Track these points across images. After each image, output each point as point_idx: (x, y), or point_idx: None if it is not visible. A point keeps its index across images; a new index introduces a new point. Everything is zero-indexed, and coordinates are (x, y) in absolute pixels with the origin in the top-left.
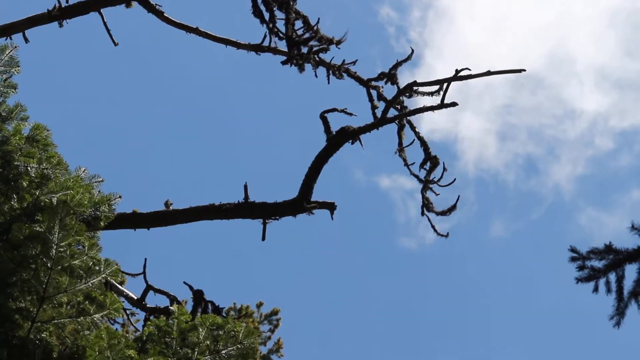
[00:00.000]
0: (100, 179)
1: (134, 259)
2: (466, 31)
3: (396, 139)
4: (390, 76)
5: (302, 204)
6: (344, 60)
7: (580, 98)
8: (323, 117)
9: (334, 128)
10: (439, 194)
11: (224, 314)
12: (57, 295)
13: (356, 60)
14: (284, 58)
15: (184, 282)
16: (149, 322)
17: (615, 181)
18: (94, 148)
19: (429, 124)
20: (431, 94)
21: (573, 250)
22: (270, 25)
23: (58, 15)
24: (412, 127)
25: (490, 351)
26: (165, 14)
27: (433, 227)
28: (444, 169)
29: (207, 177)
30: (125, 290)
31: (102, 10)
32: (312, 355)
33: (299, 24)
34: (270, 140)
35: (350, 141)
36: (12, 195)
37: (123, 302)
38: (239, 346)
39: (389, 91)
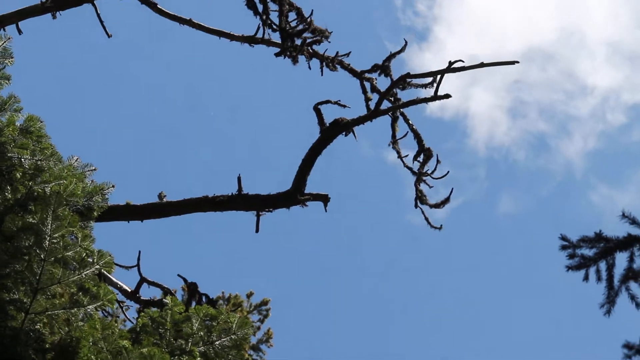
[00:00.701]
0: (93, 168)
1: (128, 252)
2: (476, 4)
3: (390, 131)
4: (383, 68)
5: (295, 196)
6: (337, 52)
7: (592, 73)
8: (316, 109)
9: (328, 120)
10: (432, 187)
11: (213, 300)
12: (51, 286)
13: (349, 52)
14: (277, 50)
15: (178, 275)
16: (143, 314)
17: (627, 156)
18: (88, 140)
19: (437, 101)
20: (424, 85)
21: (563, 238)
22: (264, 17)
23: (51, 6)
24: (406, 119)
25: (491, 328)
26: (158, 6)
27: (426, 219)
28: (438, 161)
29: (201, 169)
30: (119, 283)
31: (95, 2)
32: (306, 346)
33: (292, 15)
34: (263, 132)
35: (344, 133)
36: (5, 187)
37: (117, 294)
38: (233, 337)
39: (383, 83)
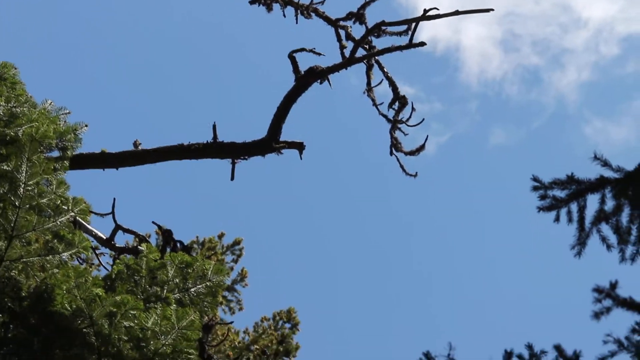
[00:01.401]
0: (67, 111)
1: (103, 199)
2: None
3: (364, 78)
4: (358, 16)
5: (270, 143)
6: (312, 0)
7: (587, 5)
8: (291, 57)
9: (303, 68)
10: (407, 134)
11: (188, 247)
12: (26, 233)
13: None
14: None
15: (153, 222)
16: (118, 261)
17: (621, 89)
18: (63, 88)
19: (430, 32)
20: (399, 33)
21: (535, 179)
22: None
23: None
24: (381, 67)
25: (481, 258)
26: None
27: (402, 166)
28: (412, 109)
29: (176, 118)
30: (94, 230)
31: None
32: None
33: None
34: (238, 80)
35: (319, 81)
36: None
37: (92, 242)
38: (208, 283)
39: (358, 31)
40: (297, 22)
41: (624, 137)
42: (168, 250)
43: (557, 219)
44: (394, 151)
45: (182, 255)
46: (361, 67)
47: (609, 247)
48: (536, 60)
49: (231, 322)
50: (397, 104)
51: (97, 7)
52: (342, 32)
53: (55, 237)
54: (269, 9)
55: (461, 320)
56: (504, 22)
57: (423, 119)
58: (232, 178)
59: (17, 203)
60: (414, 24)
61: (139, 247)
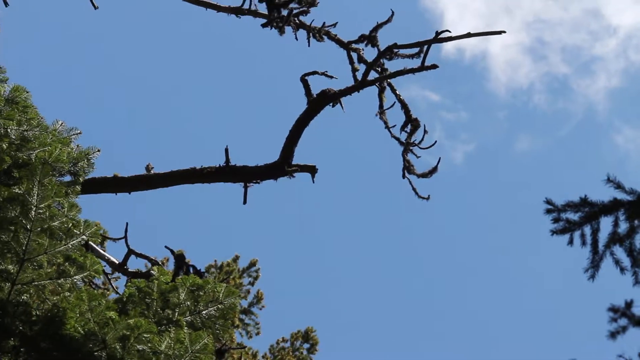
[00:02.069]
0: (78, 132)
1: (116, 224)
2: None
3: (377, 101)
4: (370, 38)
5: (283, 167)
6: (324, 23)
7: (617, 12)
8: (304, 80)
9: (315, 91)
10: (419, 157)
11: (206, 273)
12: (37, 256)
13: (336, 22)
14: (264, 21)
15: (165, 246)
16: (129, 284)
17: None
18: (75, 111)
19: (457, 42)
20: (412, 56)
21: (548, 202)
22: None
23: None
24: (393, 90)
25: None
26: None
27: (414, 189)
28: (425, 131)
29: (189, 141)
30: (107, 255)
31: None
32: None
33: None
34: (251, 103)
35: (331, 104)
36: None
37: (105, 266)
38: (220, 306)
39: (370, 53)
40: (309, 45)
41: None
42: (181, 274)
43: (570, 242)
44: (406, 174)
45: (193, 278)
46: (373, 89)
47: (622, 270)
48: (565, 69)
49: (245, 347)
50: (409, 126)
51: (107, 28)
52: (354, 55)
53: (66, 260)
54: (282, 32)
55: (474, 340)
56: (532, 29)
57: (435, 142)
58: (245, 202)
59: (28, 226)
60: (426, 47)
61: (151, 271)
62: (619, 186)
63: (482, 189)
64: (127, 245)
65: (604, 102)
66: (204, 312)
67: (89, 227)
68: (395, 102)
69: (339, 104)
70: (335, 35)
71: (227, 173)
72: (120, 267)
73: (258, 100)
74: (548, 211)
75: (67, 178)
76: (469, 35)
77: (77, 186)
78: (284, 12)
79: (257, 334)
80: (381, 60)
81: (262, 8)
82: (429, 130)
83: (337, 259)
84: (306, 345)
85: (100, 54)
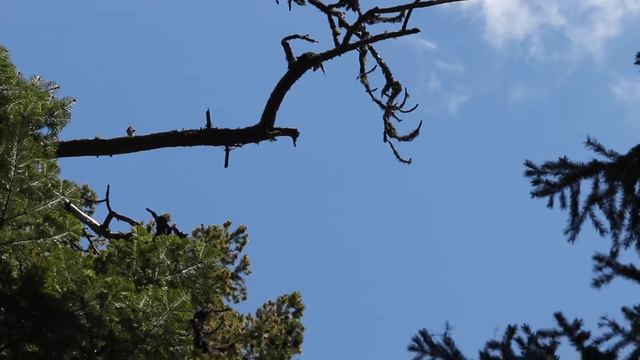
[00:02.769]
0: (57, 86)
1: (97, 186)
2: None
3: (358, 65)
4: (351, 2)
5: (264, 130)
6: None
7: None
8: (285, 44)
9: (296, 55)
10: (401, 120)
11: (192, 235)
12: (17, 216)
13: None
14: None
15: (147, 209)
16: (109, 244)
17: None
18: (57, 74)
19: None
20: (393, 20)
21: (528, 164)
22: None
23: None
24: (374, 54)
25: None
26: None
27: (395, 153)
28: (406, 95)
29: (170, 104)
30: (89, 217)
31: None
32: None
33: None
34: (232, 67)
35: (312, 68)
36: None
37: (86, 228)
38: (199, 265)
39: (351, 17)
40: (290, 9)
41: None
42: None
43: (550, 204)
44: (387, 137)
45: (173, 237)
46: (354, 53)
47: (602, 232)
48: (561, 20)
49: (226, 309)
50: (390, 90)
51: None
52: (335, 19)
53: (46, 221)
54: None
55: (462, 297)
56: None
57: (417, 105)
58: (226, 165)
59: (7, 186)
60: (407, 11)
61: (132, 233)
62: (599, 148)
63: (476, 139)
64: (109, 208)
65: (601, 53)
66: (184, 271)
67: (68, 187)
68: (376, 65)
69: (320, 67)
70: None
71: (209, 136)
72: (102, 230)
73: (239, 64)
74: (528, 173)
75: (45, 130)
76: None
77: (54, 137)
78: None
79: (244, 298)
80: (362, 24)
81: None
82: (425, 77)
83: (319, 223)
84: (292, 310)
85: (84, 18)
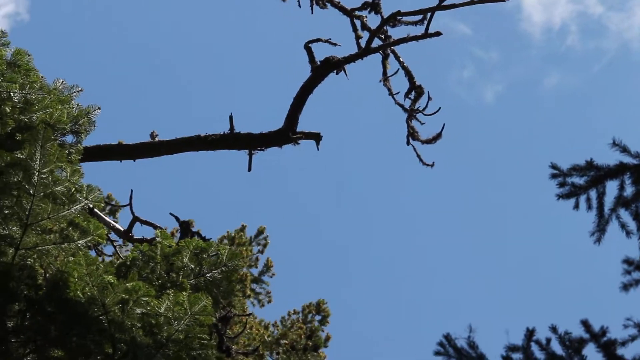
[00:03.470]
0: (80, 89)
1: (120, 191)
2: None
3: (381, 68)
4: (373, 5)
5: (287, 134)
6: None
7: None
8: (307, 48)
9: (319, 58)
10: (424, 123)
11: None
12: (41, 221)
13: None
14: None
15: (171, 214)
16: (133, 248)
17: None
18: (79, 78)
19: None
20: (415, 23)
21: (554, 166)
22: None
23: None
24: (397, 57)
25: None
26: None
27: (418, 156)
28: (429, 98)
29: (193, 109)
30: (112, 222)
31: None
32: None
33: None
34: (255, 71)
35: (335, 71)
36: None
37: (110, 233)
38: (223, 268)
39: (373, 21)
40: (312, 12)
41: None
42: None
43: (576, 206)
44: (410, 140)
45: (196, 241)
46: (377, 57)
47: (628, 233)
48: (599, 8)
49: (250, 314)
50: (413, 93)
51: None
52: (357, 22)
53: (70, 225)
54: None
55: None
56: None
57: (439, 108)
58: (250, 169)
59: (31, 191)
60: (429, 14)
61: (156, 238)
62: (624, 150)
63: (511, 129)
64: (132, 212)
65: (639, 39)
66: (207, 274)
67: (92, 191)
68: (398, 69)
69: (342, 71)
70: (339, 2)
71: (232, 140)
72: (126, 234)
73: (262, 68)
74: (554, 176)
75: (70, 138)
76: (472, 2)
77: (79, 145)
78: None
79: (269, 301)
80: (385, 28)
81: None
82: (461, 63)
83: (342, 227)
84: (318, 317)
85: (105, 21)
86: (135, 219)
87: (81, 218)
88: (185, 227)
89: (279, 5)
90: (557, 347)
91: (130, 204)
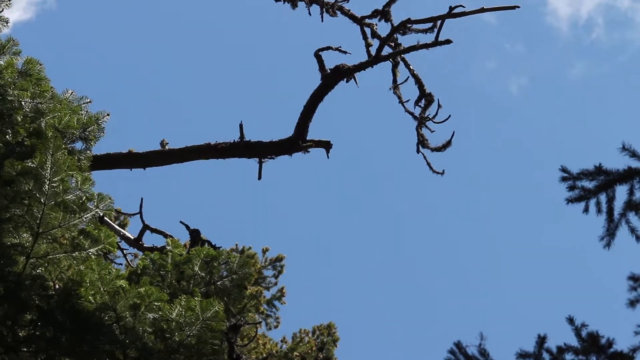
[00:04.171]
0: (88, 100)
1: (131, 199)
2: None
3: (391, 76)
4: (384, 13)
5: (297, 142)
6: None
7: None
8: (317, 56)
9: (329, 66)
10: (434, 131)
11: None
12: (52, 230)
13: None
14: None
15: (181, 222)
16: (143, 256)
17: None
18: (90, 87)
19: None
20: (425, 31)
21: (564, 170)
22: None
23: None
24: (407, 65)
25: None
26: None
27: (428, 164)
28: (439, 106)
29: (203, 117)
30: (122, 231)
31: None
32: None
33: None
34: (265, 79)
35: (345, 79)
36: (6, 130)
37: (120, 242)
38: (234, 277)
39: (383, 29)
40: (322, 20)
41: None
42: None
43: (586, 210)
44: (420, 148)
45: (207, 250)
46: (387, 65)
47: (638, 238)
48: (626, 1)
49: (259, 322)
50: (423, 101)
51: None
52: (367, 30)
53: (81, 234)
54: (294, 5)
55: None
56: None
57: (449, 116)
58: (260, 177)
59: (42, 200)
60: (439, 22)
61: (166, 246)
62: (634, 154)
63: (538, 119)
64: (142, 221)
65: None
66: (218, 282)
67: (103, 199)
68: (408, 77)
69: (353, 79)
70: (349, 10)
71: (242, 148)
72: (136, 243)
73: (272, 76)
74: (563, 179)
75: (79, 144)
76: (482, 10)
77: (88, 151)
78: None
79: (276, 326)
80: (395, 35)
81: None
82: (485, 55)
83: (351, 233)
84: (328, 340)
85: (114, 29)
86: (146, 227)
87: (92, 226)
88: (196, 236)
89: (289, 13)
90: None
91: (140, 212)
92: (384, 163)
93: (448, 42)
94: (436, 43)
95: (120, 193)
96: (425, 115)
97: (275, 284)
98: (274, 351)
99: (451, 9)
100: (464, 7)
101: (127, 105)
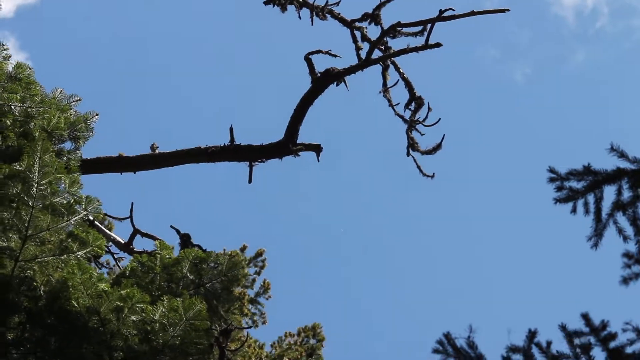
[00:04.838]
0: (78, 98)
1: (121, 204)
2: None
3: (381, 79)
4: (374, 17)
5: (288, 146)
6: (327, 1)
7: None
8: (307, 59)
9: (319, 70)
10: (424, 134)
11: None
12: (40, 233)
13: (339, 0)
14: None
15: (171, 226)
16: (132, 259)
17: None
18: (80, 90)
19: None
20: (415, 34)
21: (552, 170)
22: None
23: None
24: (397, 68)
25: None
26: None
27: (418, 167)
28: (429, 109)
29: (193, 121)
30: (113, 235)
31: None
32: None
33: None
34: (255, 82)
35: (335, 83)
36: None
37: (110, 246)
38: (223, 278)
39: (373, 32)
40: (312, 24)
41: None
42: None
43: (574, 211)
44: (410, 151)
45: (195, 251)
46: (377, 68)
47: (625, 238)
48: None
49: (250, 327)
50: (413, 104)
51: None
52: (357, 34)
53: (69, 237)
54: (284, 9)
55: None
56: None
57: (439, 119)
58: (250, 181)
59: (30, 203)
60: (429, 25)
61: (155, 249)
62: (622, 155)
63: (541, 110)
64: (133, 225)
65: None
66: (207, 284)
67: (91, 202)
68: (398, 80)
69: (343, 82)
70: (339, 13)
71: (232, 152)
72: (126, 247)
73: (262, 79)
74: (551, 180)
75: (68, 144)
76: (472, 13)
77: (77, 151)
78: None
79: (264, 323)
80: (385, 39)
81: None
82: (491, 42)
83: (339, 237)
84: (313, 341)
85: (104, 34)
86: (136, 232)
87: (80, 229)
88: (186, 240)
89: (279, 16)
90: (560, 348)
91: (131, 217)
92: (373, 166)
93: (438, 45)
94: (426, 46)
95: (110, 197)
96: (416, 119)
97: (254, 280)
98: (263, 356)
99: (441, 12)
100: (454, 10)
101: (117, 108)
